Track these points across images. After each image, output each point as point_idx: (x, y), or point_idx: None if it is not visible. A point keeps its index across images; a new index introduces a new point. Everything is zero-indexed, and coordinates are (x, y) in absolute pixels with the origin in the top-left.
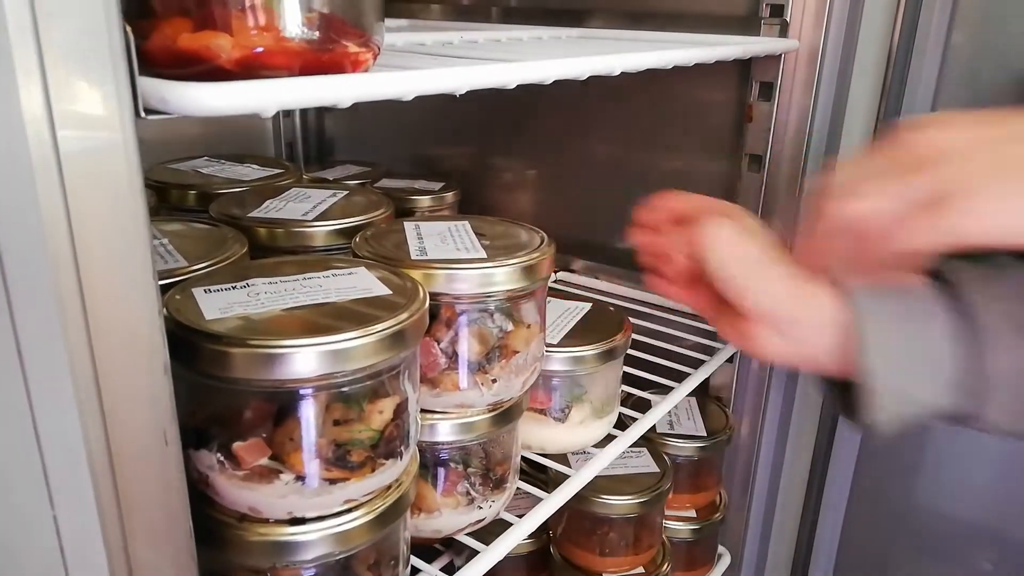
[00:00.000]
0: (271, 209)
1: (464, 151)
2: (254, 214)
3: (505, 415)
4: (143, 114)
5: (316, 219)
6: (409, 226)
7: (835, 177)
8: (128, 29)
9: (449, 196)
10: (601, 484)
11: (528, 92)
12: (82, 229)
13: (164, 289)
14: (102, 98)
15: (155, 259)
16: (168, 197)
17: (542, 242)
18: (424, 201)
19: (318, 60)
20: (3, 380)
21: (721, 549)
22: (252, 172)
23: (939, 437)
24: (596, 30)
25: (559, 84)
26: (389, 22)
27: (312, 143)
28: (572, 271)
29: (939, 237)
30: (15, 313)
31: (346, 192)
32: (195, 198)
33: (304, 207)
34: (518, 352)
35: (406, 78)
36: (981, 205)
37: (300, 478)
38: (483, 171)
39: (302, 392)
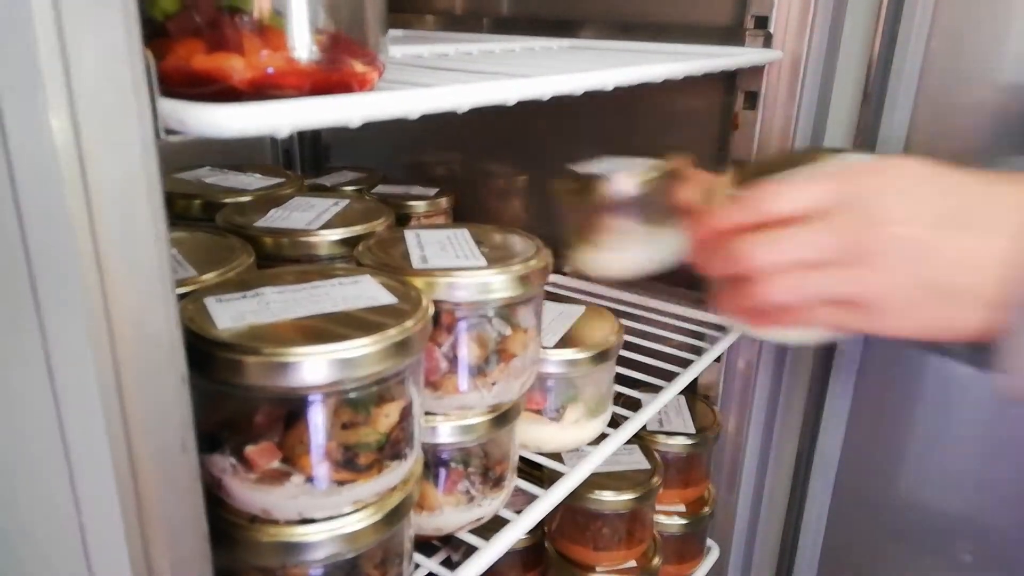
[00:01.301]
0: (276, 219)
1: (457, 157)
2: (259, 223)
3: (504, 416)
4: (163, 135)
5: (320, 228)
6: (410, 235)
7: (773, 196)
8: (149, 54)
9: (444, 202)
10: (594, 481)
11: (520, 100)
12: (107, 246)
13: (177, 299)
14: (125, 120)
15: (173, 274)
16: (174, 206)
17: (539, 250)
18: (420, 207)
19: (327, 80)
20: (34, 392)
21: (710, 542)
22: (255, 181)
23: (920, 430)
24: (586, 41)
25: None
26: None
27: (308, 149)
28: (564, 273)
29: (835, 324)
30: (45, 328)
31: (348, 201)
32: (200, 207)
33: (308, 216)
34: (516, 356)
35: (412, 97)
36: (889, 323)
37: (310, 480)
38: (476, 176)
39: (312, 398)
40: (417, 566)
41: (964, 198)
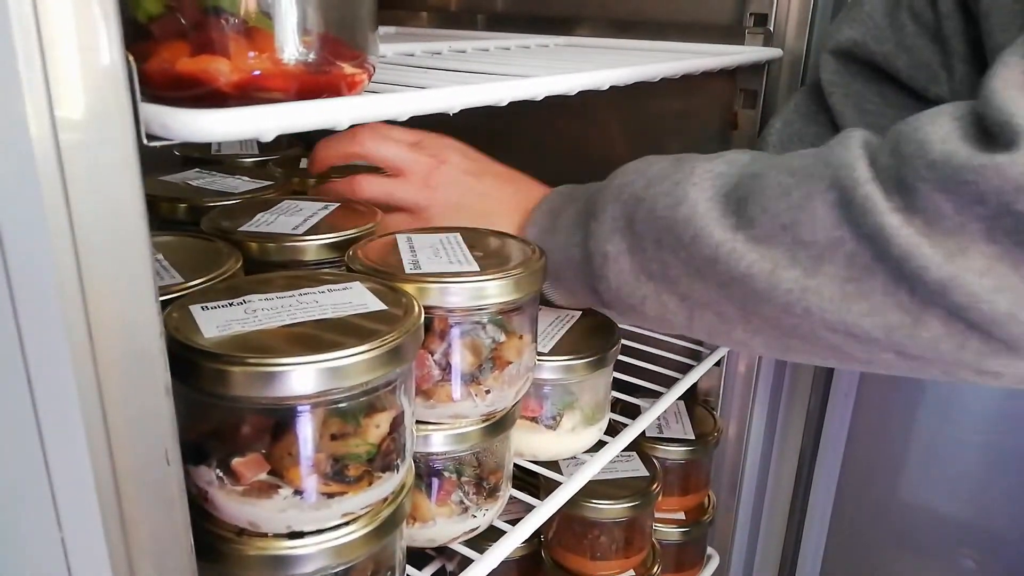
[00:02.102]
0: (262, 223)
1: None
2: (245, 228)
3: (498, 425)
4: (145, 141)
5: (307, 232)
6: (401, 239)
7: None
8: (130, 58)
9: None
10: (592, 489)
11: (513, 101)
12: (88, 254)
13: (162, 306)
14: (106, 126)
15: (156, 281)
16: (159, 210)
17: (534, 254)
18: None
19: (315, 82)
20: (13, 404)
21: (710, 550)
22: (242, 184)
23: (923, 435)
24: (582, 38)
25: None
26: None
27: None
28: None
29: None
30: (24, 337)
31: (337, 204)
32: (186, 211)
33: (295, 220)
34: (511, 363)
35: (401, 100)
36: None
37: (298, 492)
38: None
39: (300, 408)
40: None
41: (484, 166)
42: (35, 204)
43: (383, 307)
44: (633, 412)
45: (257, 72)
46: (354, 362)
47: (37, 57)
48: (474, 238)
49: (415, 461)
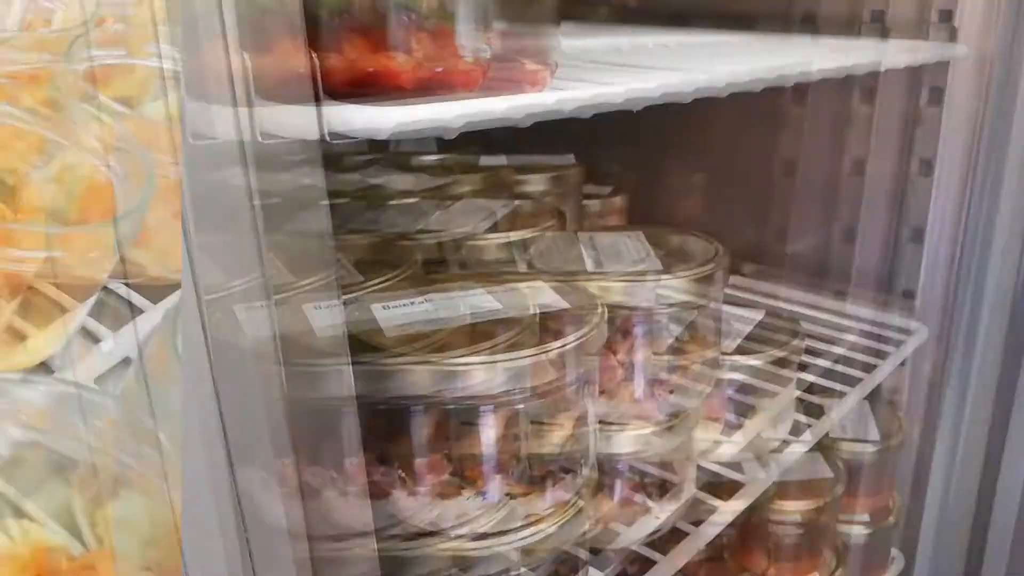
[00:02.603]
0: (442, 221)
1: (628, 154)
2: (425, 226)
3: (681, 425)
4: (328, 138)
5: (488, 231)
6: (583, 237)
7: None
8: (314, 56)
9: (618, 200)
10: (775, 490)
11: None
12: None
13: (343, 305)
14: (292, 125)
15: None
16: (337, 209)
17: (717, 253)
18: (593, 206)
19: (497, 79)
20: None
21: (894, 552)
22: (422, 182)
23: None
24: (759, 34)
25: None
26: None
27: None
28: (743, 275)
29: None
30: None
31: (516, 202)
32: (365, 210)
33: (475, 219)
34: (694, 362)
35: (586, 96)
36: None
37: (481, 494)
38: (648, 174)
39: (483, 408)
40: None
41: None
42: (222, 204)
43: (567, 306)
44: (817, 412)
45: (439, 69)
46: (538, 361)
47: (239, 63)
48: (656, 236)
49: (598, 463)
